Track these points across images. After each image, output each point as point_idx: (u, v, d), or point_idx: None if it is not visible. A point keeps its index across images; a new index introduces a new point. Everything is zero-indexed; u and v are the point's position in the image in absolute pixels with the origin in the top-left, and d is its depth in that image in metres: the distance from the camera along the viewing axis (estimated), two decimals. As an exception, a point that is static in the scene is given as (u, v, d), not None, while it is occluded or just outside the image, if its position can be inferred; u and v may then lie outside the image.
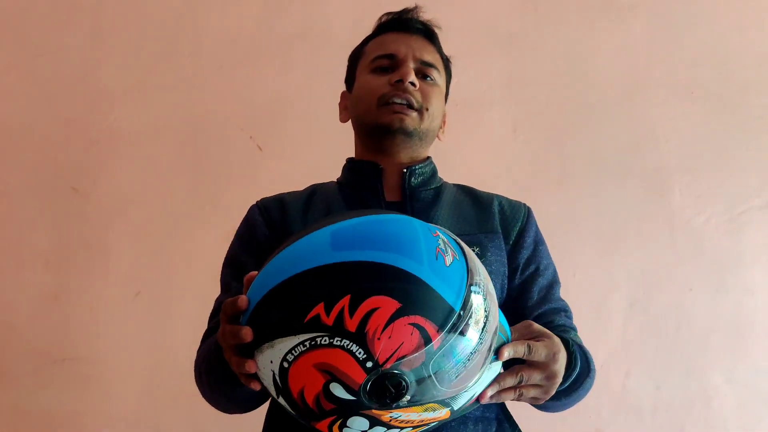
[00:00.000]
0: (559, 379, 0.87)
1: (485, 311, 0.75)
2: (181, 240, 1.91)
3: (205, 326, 1.09)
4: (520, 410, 1.09)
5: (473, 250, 0.84)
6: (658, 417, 1.87)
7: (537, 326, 0.89)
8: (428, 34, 1.17)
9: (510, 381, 0.84)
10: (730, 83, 2.01)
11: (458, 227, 1.08)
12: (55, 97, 2.00)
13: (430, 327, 0.70)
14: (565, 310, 1.13)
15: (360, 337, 0.69)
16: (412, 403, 0.72)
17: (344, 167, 1.19)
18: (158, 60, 2.02)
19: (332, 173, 1.21)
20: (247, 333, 0.74)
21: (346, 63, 1.23)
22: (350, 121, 1.20)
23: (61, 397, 1.85)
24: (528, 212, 1.16)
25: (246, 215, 1.14)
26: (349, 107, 1.19)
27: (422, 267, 0.72)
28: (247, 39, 2.04)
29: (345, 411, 0.73)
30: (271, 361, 0.73)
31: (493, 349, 0.78)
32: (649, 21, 2.05)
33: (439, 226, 0.82)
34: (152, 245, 1.92)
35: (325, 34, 2.02)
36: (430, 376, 0.71)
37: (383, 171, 1.12)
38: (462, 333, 0.72)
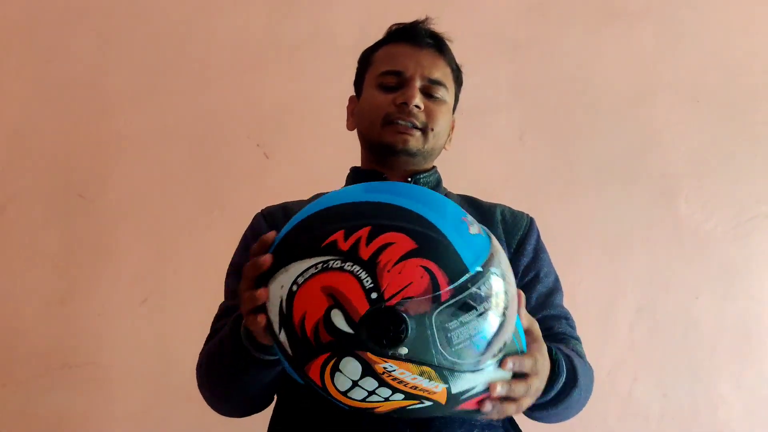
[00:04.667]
0: (532, 399, 0.84)
1: (504, 296, 0.74)
2: (188, 246, 1.92)
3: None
4: (524, 418, 1.09)
5: None
6: (664, 424, 1.86)
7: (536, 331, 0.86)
8: (439, 47, 1.14)
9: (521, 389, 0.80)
10: (736, 89, 2.00)
11: None
12: (63, 102, 2.01)
13: (441, 276, 0.71)
14: (566, 318, 1.11)
15: (371, 265, 0.70)
16: (408, 359, 0.71)
17: (348, 176, 1.19)
18: (166, 66, 2.03)
19: (339, 181, 1.21)
20: (266, 259, 0.76)
21: (353, 70, 1.22)
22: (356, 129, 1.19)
23: (68, 401, 1.85)
24: (530, 222, 1.15)
25: (251, 223, 1.14)
26: (355, 116, 1.19)
27: (445, 222, 0.74)
28: (254, 46, 2.04)
29: (341, 347, 0.72)
30: (282, 286, 0.74)
31: (504, 349, 0.76)
32: (656, 27, 2.05)
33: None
34: (159, 251, 1.92)
35: (331, 41, 2.02)
36: (431, 328, 0.70)
37: (386, 180, 1.12)
38: (472, 299, 0.71)
